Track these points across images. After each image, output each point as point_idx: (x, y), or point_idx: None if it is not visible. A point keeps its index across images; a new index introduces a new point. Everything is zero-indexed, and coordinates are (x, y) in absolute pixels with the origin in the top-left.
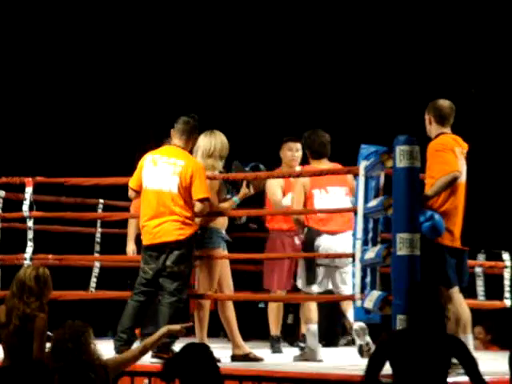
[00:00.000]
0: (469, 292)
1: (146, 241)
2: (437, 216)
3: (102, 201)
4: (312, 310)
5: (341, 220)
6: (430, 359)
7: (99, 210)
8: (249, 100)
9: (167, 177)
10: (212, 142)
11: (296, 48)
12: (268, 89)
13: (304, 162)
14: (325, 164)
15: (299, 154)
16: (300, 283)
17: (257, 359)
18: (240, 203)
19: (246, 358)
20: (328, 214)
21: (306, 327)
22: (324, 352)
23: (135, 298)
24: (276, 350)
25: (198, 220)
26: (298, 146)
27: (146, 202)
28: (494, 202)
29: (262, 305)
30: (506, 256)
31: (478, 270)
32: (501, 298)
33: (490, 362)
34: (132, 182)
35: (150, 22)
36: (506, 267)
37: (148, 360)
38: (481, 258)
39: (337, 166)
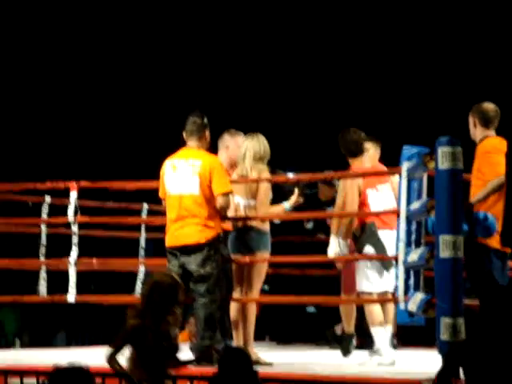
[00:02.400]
0: None
1: (167, 243)
2: (490, 216)
3: (146, 205)
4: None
5: (393, 217)
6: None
7: (143, 215)
8: (283, 102)
9: (187, 179)
10: (260, 144)
11: (335, 49)
12: (307, 89)
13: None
14: (363, 161)
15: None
16: (363, 284)
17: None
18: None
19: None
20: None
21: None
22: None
23: None
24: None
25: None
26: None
27: (169, 207)
28: None
29: (311, 309)
30: None
31: None
32: None
33: None
34: (160, 193)
35: (170, 28)
36: None
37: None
38: None
39: (378, 164)
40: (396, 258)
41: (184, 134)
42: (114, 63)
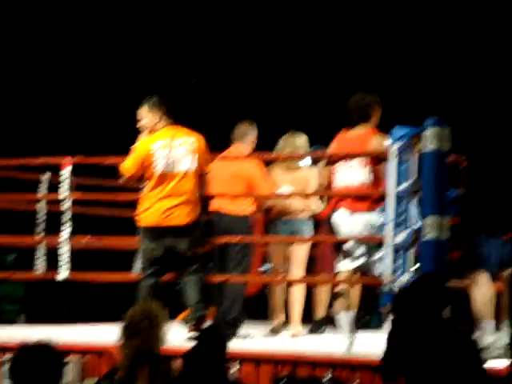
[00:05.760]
0: None
1: (153, 222)
2: None
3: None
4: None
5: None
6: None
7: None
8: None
9: (184, 157)
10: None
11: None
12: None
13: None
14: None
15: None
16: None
17: None
18: None
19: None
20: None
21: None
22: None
23: (148, 281)
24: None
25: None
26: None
27: (158, 185)
28: None
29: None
30: None
31: None
32: None
33: None
34: (134, 170)
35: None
36: None
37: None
38: None
39: None
40: (380, 240)
41: (159, 116)
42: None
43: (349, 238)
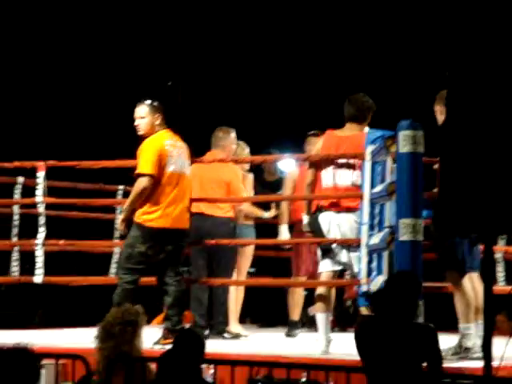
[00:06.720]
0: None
1: (161, 223)
2: None
3: (121, 187)
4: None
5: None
6: (399, 347)
7: (119, 197)
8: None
9: (186, 160)
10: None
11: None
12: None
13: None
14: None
15: None
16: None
17: None
18: None
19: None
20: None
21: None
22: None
23: (131, 285)
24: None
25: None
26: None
27: (167, 186)
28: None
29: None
30: None
31: (498, 255)
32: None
33: None
34: (155, 169)
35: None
36: None
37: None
38: (501, 243)
39: None
40: (359, 241)
41: (160, 120)
42: (80, 47)
43: (328, 239)
